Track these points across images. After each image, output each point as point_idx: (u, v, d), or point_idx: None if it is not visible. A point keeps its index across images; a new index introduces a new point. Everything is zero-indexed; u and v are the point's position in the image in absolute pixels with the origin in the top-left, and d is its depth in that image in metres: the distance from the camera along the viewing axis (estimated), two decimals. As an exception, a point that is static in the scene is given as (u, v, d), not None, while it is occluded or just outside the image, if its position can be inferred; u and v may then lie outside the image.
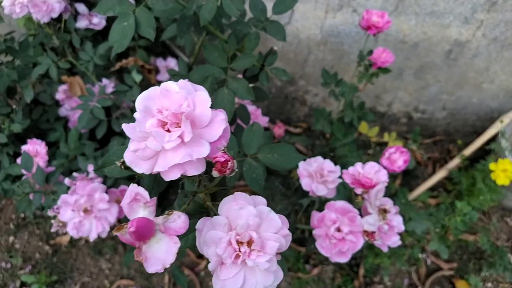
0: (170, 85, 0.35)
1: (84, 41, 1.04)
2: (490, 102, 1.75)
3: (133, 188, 0.37)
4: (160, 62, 1.32)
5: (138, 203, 0.37)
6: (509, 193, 1.63)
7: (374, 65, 1.25)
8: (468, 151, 1.56)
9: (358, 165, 0.58)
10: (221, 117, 0.30)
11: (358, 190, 0.56)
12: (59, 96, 1.25)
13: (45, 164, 1.02)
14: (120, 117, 0.99)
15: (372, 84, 1.30)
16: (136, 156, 0.35)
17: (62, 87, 1.24)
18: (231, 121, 0.70)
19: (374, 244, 0.56)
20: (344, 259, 0.52)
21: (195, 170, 0.32)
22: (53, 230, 0.90)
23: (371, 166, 0.57)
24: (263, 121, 0.89)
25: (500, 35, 1.52)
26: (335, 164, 1.02)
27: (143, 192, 0.37)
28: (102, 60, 0.98)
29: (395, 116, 1.89)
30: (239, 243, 0.32)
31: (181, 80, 0.34)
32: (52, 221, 0.91)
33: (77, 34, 1.07)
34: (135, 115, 0.36)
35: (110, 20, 1.09)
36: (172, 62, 1.36)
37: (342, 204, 0.54)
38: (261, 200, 0.33)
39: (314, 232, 0.53)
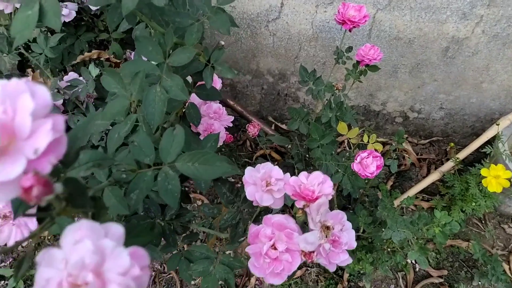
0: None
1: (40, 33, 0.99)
2: (491, 102, 1.67)
3: None
4: (134, 55, 1.27)
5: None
6: (506, 199, 1.56)
7: (362, 62, 1.19)
8: (463, 154, 1.48)
9: (303, 174, 0.53)
10: (47, 126, 0.25)
11: (300, 203, 0.51)
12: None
13: None
14: (76, 112, 0.95)
15: (361, 82, 1.23)
16: None
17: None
18: (175, 121, 0.65)
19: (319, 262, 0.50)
20: (279, 281, 0.47)
21: (3, 195, 0.27)
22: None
23: (316, 176, 0.51)
24: (227, 120, 0.84)
25: (502, 31, 1.43)
26: (310, 167, 0.97)
27: None
28: (54, 53, 0.94)
29: (390, 116, 1.82)
30: (75, 286, 0.26)
31: (4, 81, 0.29)
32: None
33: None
34: None
35: (78, 13, 1.05)
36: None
37: (280, 218, 0.49)
38: (116, 229, 0.27)
39: (247, 249, 0.48)
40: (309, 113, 1.03)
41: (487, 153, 1.37)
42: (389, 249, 1.19)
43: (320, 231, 0.49)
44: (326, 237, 0.49)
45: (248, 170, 0.58)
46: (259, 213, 0.64)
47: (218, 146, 0.84)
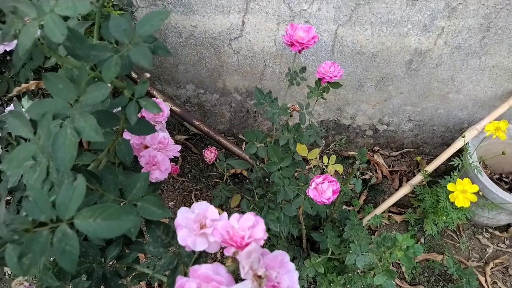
0: None
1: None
2: (459, 112, 1.67)
3: None
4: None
5: None
6: (479, 210, 1.54)
7: (323, 79, 1.16)
8: (432, 166, 1.47)
9: (234, 217, 0.48)
10: None
11: (230, 251, 0.46)
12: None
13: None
14: (10, 149, 0.89)
15: (324, 99, 1.21)
16: None
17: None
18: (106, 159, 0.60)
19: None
20: None
21: None
22: None
23: (246, 219, 0.47)
24: (174, 150, 0.79)
25: (464, 42, 1.43)
26: (271, 193, 0.92)
27: None
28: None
29: (360, 129, 1.80)
30: None
31: None
32: None
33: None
34: None
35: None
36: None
37: (207, 269, 0.44)
38: None
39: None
40: (267, 135, 0.99)
41: (454, 165, 1.36)
42: (359, 271, 1.15)
43: (252, 281, 0.45)
44: (260, 286, 0.44)
45: (182, 211, 0.54)
46: (200, 255, 0.59)
47: (164, 178, 0.80)
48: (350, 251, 0.95)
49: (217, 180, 1.77)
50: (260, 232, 0.47)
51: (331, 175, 1.04)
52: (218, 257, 1.55)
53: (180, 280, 0.46)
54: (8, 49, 0.99)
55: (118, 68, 0.50)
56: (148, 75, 0.55)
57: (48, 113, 0.46)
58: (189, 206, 1.79)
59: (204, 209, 0.53)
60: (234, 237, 0.47)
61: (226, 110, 1.85)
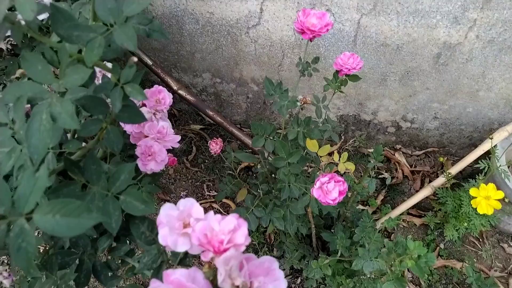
0: None
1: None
2: (489, 112, 1.56)
3: None
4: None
5: None
6: (505, 217, 1.44)
7: (340, 72, 1.10)
8: (456, 168, 1.37)
9: (215, 219, 0.44)
10: None
11: (207, 255, 0.42)
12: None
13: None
14: None
15: (342, 92, 1.14)
16: None
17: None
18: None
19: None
20: None
21: None
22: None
23: (228, 221, 0.43)
24: (173, 141, 0.76)
25: (497, 36, 1.33)
26: (276, 190, 0.88)
27: None
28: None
29: (382, 125, 1.72)
30: None
31: None
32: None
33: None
34: None
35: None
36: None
37: (182, 274, 0.40)
38: None
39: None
40: (276, 128, 0.94)
41: (480, 168, 1.26)
42: (369, 275, 1.09)
43: (230, 290, 0.41)
44: (239, 296, 0.40)
45: (165, 208, 0.50)
46: (186, 255, 0.55)
47: (162, 169, 0.76)
48: (359, 255, 0.90)
49: (230, 172, 1.73)
50: (241, 237, 0.43)
51: (341, 174, 0.98)
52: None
53: (153, 283, 0.42)
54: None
55: (101, 50, 0.46)
56: (135, 59, 0.51)
57: (23, 97, 0.43)
58: (202, 197, 1.77)
59: (189, 206, 0.50)
60: (212, 241, 0.42)
61: (243, 100, 1.81)
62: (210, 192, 1.69)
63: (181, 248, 0.48)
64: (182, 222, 0.49)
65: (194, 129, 1.88)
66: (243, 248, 0.43)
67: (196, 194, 1.69)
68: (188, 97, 1.52)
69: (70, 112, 0.43)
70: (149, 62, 1.47)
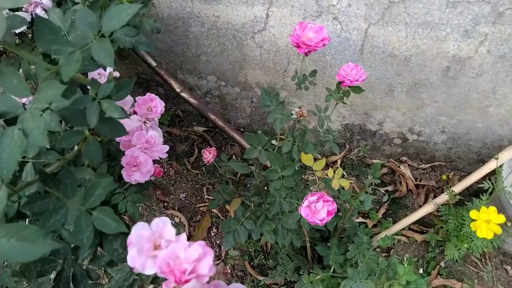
0: None
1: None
2: (498, 128, 1.51)
3: None
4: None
5: None
6: (509, 239, 1.39)
7: (343, 83, 1.07)
8: (460, 186, 1.33)
9: (182, 245, 0.42)
10: None
11: (169, 284, 0.41)
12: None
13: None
14: None
15: (344, 103, 1.12)
16: None
17: None
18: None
19: None
20: None
21: None
22: None
23: (194, 249, 0.41)
24: (161, 151, 0.75)
25: (510, 52, 1.28)
26: (266, 203, 0.86)
27: None
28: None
29: (388, 136, 1.68)
30: None
31: None
32: None
33: None
34: None
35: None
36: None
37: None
38: None
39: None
40: (271, 139, 0.93)
41: (485, 188, 1.22)
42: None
43: (192, 322, 0.39)
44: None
45: (137, 227, 0.49)
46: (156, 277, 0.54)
47: (147, 180, 0.75)
48: (348, 276, 0.87)
49: (231, 177, 1.72)
50: (205, 268, 0.41)
51: (335, 190, 0.95)
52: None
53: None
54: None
55: (79, 66, 0.45)
56: (116, 74, 0.50)
57: (-7, 111, 0.42)
58: (201, 200, 1.75)
59: (161, 227, 0.48)
60: (174, 270, 0.41)
61: (247, 104, 1.79)
62: (209, 196, 1.68)
63: (149, 271, 0.46)
64: (153, 243, 0.47)
65: (197, 131, 1.87)
66: (207, 279, 0.41)
67: (196, 196, 1.68)
68: (191, 100, 1.52)
69: (41, 129, 0.42)
70: (153, 64, 1.47)
